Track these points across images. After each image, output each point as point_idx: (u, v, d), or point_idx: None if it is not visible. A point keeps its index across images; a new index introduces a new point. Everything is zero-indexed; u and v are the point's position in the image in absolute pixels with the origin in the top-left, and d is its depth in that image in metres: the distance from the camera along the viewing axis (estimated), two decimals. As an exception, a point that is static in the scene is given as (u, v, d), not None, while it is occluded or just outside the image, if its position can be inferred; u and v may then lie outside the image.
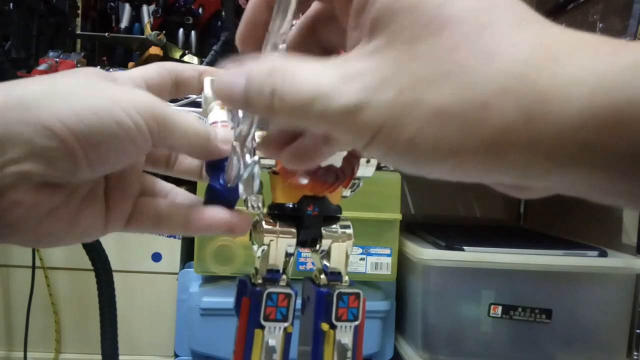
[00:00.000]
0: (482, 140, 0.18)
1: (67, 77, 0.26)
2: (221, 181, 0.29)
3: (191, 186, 0.40)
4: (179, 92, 0.33)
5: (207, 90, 0.33)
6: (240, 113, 0.26)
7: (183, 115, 0.27)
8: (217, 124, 0.31)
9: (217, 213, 0.30)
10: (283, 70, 0.20)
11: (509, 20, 0.19)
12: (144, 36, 1.06)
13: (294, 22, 0.23)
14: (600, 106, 0.16)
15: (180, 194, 0.32)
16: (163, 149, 0.28)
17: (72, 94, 0.24)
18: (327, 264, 0.34)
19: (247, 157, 0.26)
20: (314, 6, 0.26)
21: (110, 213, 0.29)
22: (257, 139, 0.26)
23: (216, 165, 0.30)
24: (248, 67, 0.21)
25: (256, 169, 0.26)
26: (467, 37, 0.18)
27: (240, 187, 0.27)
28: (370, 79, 0.19)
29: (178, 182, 0.33)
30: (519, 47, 0.18)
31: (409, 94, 0.18)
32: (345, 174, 0.30)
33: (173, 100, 0.95)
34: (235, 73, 0.21)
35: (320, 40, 0.26)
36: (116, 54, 1.20)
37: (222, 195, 0.30)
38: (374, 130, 0.19)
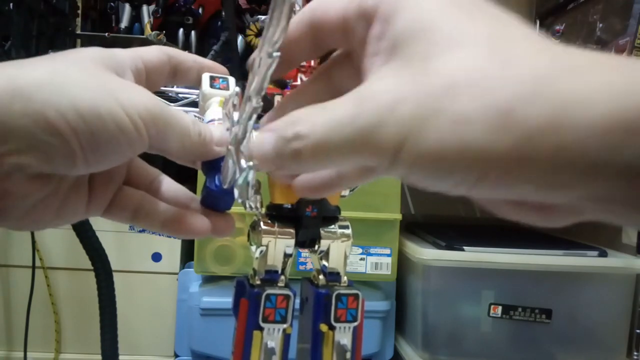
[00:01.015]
0: (507, 146, 0.17)
1: (72, 66, 0.25)
2: (217, 182, 0.29)
3: (191, 186, 0.39)
4: (176, 80, 0.32)
5: (206, 87, 0.32)
6: (235, 115, 0.25)
7: (181, 118, 0.27)
8: (214, 122, 0.31)
9: (196, 222, 0.30)
10: (304, 116, 0.21)
11: (521, 37, 0.19)
12: (144, 36, 1.06)
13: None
14: (625, 111, 0.16)
15: (165, 182, 0.32)
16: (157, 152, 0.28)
17: (76, 88, 0.24)
18: (326, 264, 0.34)
19: (242, 161, 0.25)
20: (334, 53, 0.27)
21: (91, 199, 0.29)
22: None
23: (213, 165, 0.29)
24: (273, 124, 0.22)
25: (251, 175, 0.25)
26: (481, 50, 0.19)
27: (236, 192, 0.27)
28: (385, 97, 0.19)
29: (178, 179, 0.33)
30: (535, 57, 0.18)
31: (427, 107, 0.18)
32: None
33: (173, 101, 0.95)
34: (264, 132, 0.22)
35: (333, 84, 0.26)
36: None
37: (217, 196, 0.30)
38: (395, 148, 0.19)
